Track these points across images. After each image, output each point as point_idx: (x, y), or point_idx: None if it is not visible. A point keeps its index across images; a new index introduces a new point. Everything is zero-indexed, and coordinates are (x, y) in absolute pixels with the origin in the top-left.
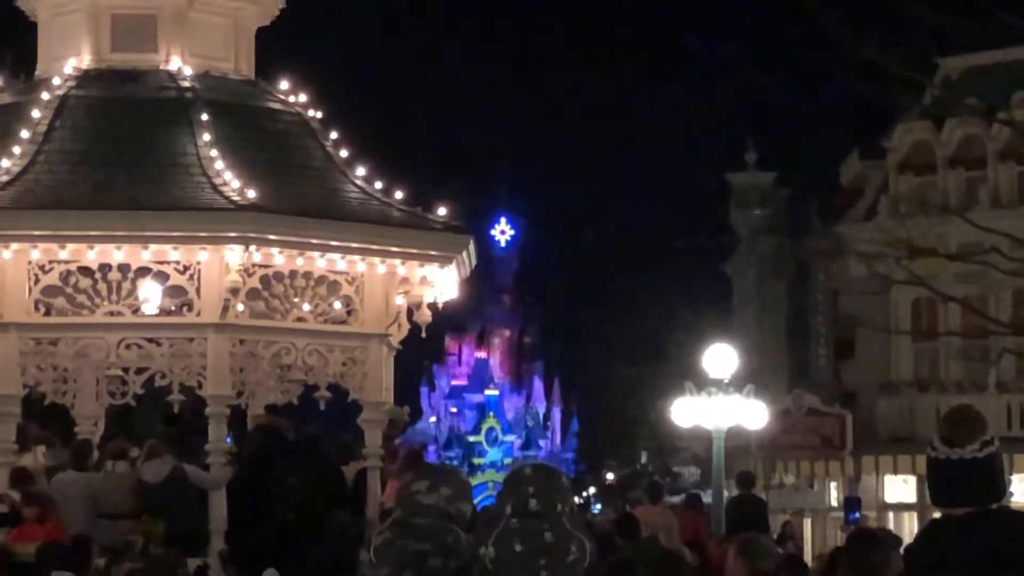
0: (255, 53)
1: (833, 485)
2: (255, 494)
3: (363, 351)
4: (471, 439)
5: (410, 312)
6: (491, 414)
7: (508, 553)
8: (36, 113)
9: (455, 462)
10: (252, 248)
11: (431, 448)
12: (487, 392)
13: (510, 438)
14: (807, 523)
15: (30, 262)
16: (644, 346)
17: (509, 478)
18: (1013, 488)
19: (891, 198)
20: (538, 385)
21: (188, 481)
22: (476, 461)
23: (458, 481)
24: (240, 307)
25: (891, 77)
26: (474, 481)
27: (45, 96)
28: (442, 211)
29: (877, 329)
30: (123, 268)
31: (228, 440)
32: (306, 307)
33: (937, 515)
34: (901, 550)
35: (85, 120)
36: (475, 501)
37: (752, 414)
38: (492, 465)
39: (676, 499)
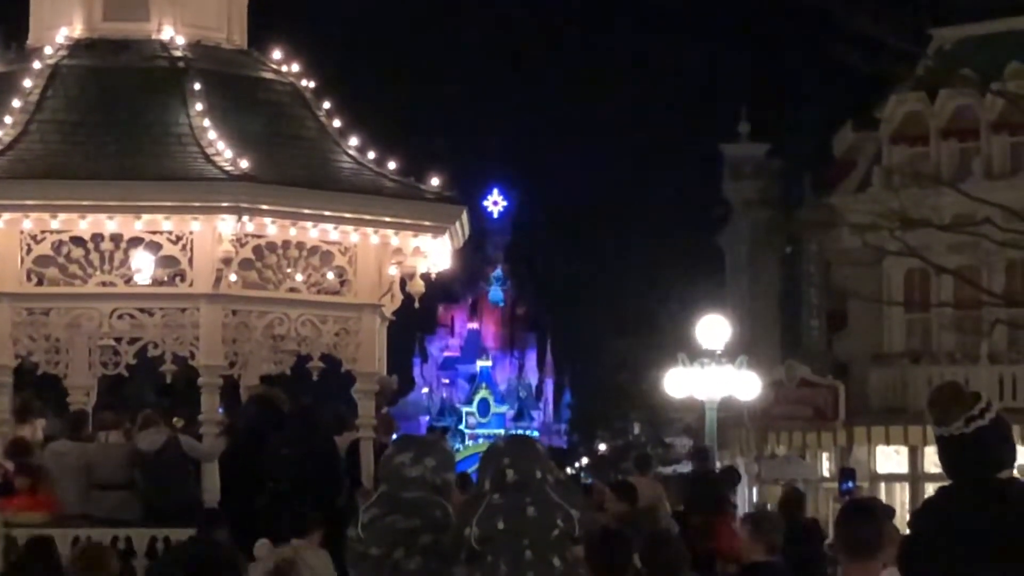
0: (247, 22)
1: (825, 456)
2: (248, 465)
3: (356, 322)
4: (464, 410)
5: (403, 282)
6: (483, 385)
7: (492, 531)
8: (28, 83)
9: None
10: (245, 218)
11: (423, 419)
12: (480, 363)
13: (502, 408)
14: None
15: (22, 232)
16: (637, 317)
17: (485, 453)
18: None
19: (884, 169)
20: (531, 356)
21: (183, 451)
22: (468, 431)
23: (441, 451)
24: (233, 277)
25: (884, 48)
26: (467, 452)
27: (37, 66)
28: (435, 181)
29: (870, 300)
30: (115, 238)
31: (220, 411)
32: (299, 277)
33: (941, 484)
34: (899, 519)
35: (77, 90)
36: (468, 471)
37: (744, 385)
38: (486, 436)
39: (669, 470)
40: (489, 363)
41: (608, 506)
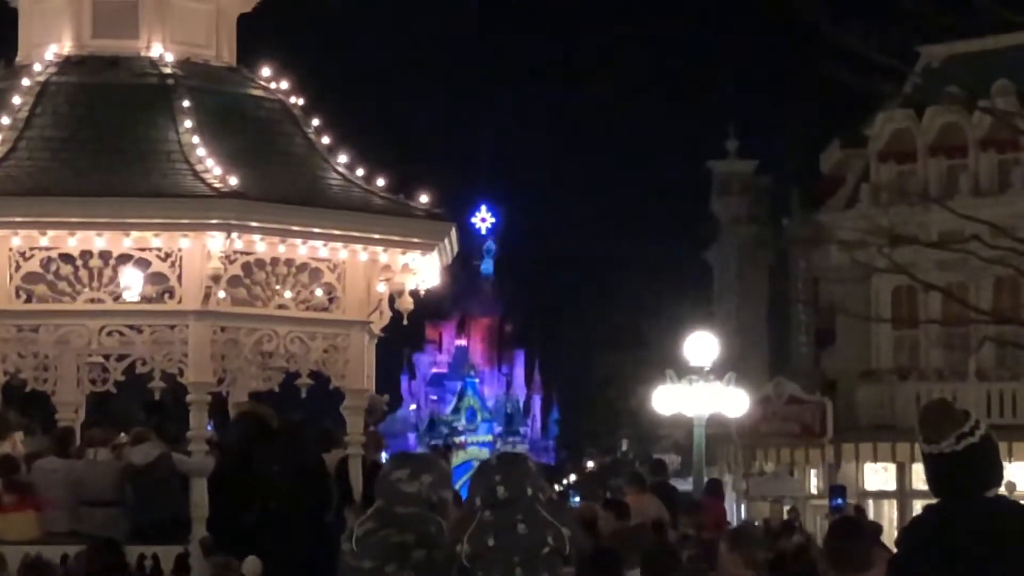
0: (237, 40)
1: (813, 473)
2: (237, 482)
3: (345, 338)
4: (451, 419)
5: (392, 299)
6: (469, 393)
7: (482, 548)
8: (17, 100)
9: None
10: (234, 235)
11: (410, 436)
12: (465, 375)
13: (487, 415)
14: (786, 511)
15: (11, 249)
16: (625, 334)
17: (476, 471)
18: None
19: (872, 186)
20: (519, 373)
21: (174, 467)
22: (458, 440)
23: (439, 468)
24: (222, 294)
25: (872, 65)
26: (456, 461)
27: (26, 82)
28: (424, 198)
29: (858, 317)
30: (104, 255)
31: (210, 427)
32: (288, 294)
33: (928, 501)
34: (887, 536)
35: (66, 107)
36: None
37: (733, 402)
38: (475, 444)
39: None
40: (473, 373)
41: (601, 525)
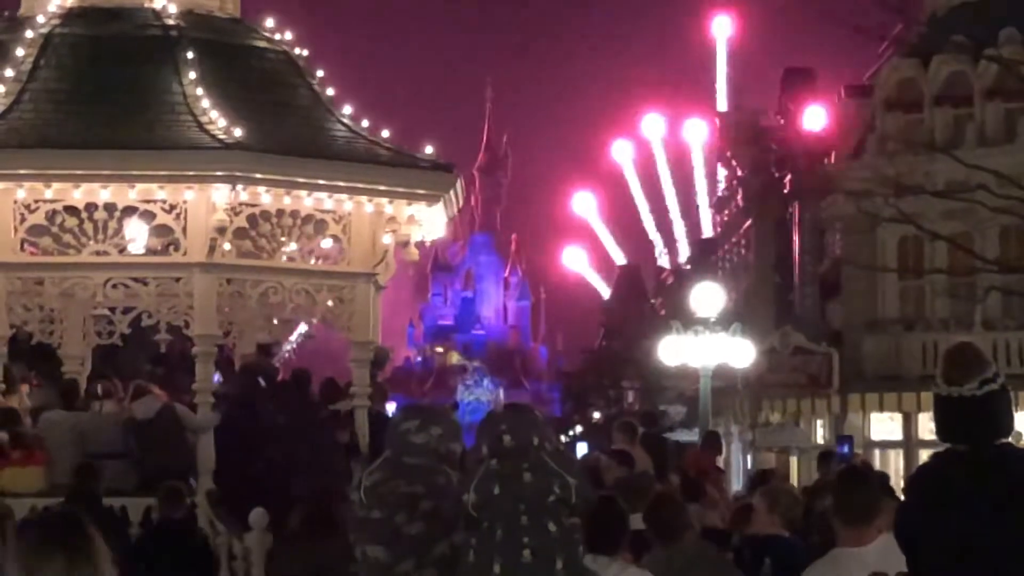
0: None
1: (819, 423)
2: (242, 433)
3: (350, 290)
4: (453, 384)
5: (397, 251)
6: (474, 363)
7: (488, 497)
8: (20, 52)
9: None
10: (239, 187)
11: (416, 389)
12: (473, 332)
13: (485, 392)
14: (793, 461)
15: (16, 201)
16: None
17: (482, 421)
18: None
19: (878, 136)
20: (525, 324)
21: (177, 419)
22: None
23: (448, 420)
24: (227, 246)
25: (878, 14)
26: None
27: (29, 34)
28: (429, 150)
29: (864, 267)
30: (109, 207)
31: (216, 380)
32: (293, 246)
33: (935, 450)
34: (900, 485)
35: (70, 59)
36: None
37: (739, 352)
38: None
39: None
40: (479, 327)
41: (606, 475)
